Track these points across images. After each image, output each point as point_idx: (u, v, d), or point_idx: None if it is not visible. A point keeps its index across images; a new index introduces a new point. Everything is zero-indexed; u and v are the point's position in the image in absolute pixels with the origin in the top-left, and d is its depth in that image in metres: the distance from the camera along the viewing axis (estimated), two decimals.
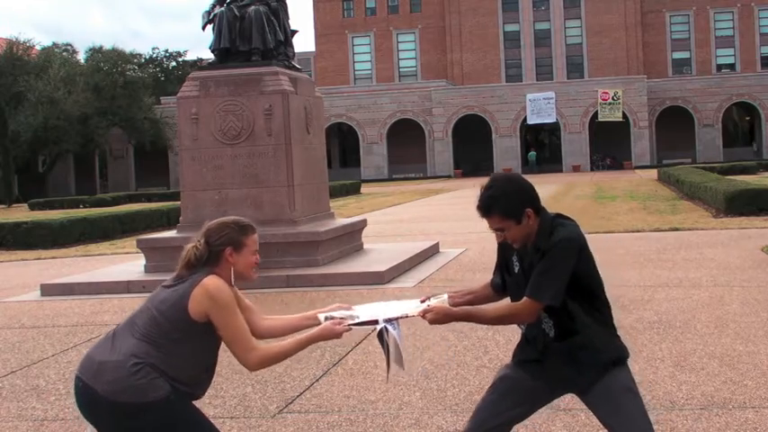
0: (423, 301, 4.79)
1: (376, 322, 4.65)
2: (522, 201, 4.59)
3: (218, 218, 4.81)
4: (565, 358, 4.61)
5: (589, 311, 4.62)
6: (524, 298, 4.56)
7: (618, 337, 4.77)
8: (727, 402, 7.48)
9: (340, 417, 7.63)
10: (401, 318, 4.69)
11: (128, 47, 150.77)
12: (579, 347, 4.59)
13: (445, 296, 4.83)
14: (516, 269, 4.71)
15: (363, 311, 4.78)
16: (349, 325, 4.65)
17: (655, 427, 6.70)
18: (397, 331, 4.63)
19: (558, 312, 4.58)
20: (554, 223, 4.62)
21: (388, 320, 4.64)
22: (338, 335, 4.63)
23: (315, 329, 4.64)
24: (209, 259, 4.58)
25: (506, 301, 4.80)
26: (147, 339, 4.45)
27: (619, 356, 4.68)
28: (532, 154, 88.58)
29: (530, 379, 4.70)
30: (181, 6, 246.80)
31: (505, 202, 4.57)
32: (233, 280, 4.62)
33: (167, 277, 4.63)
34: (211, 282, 4.47)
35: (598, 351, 4.60)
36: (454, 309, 4.68)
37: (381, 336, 4.66)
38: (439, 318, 4.65)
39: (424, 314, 4.66)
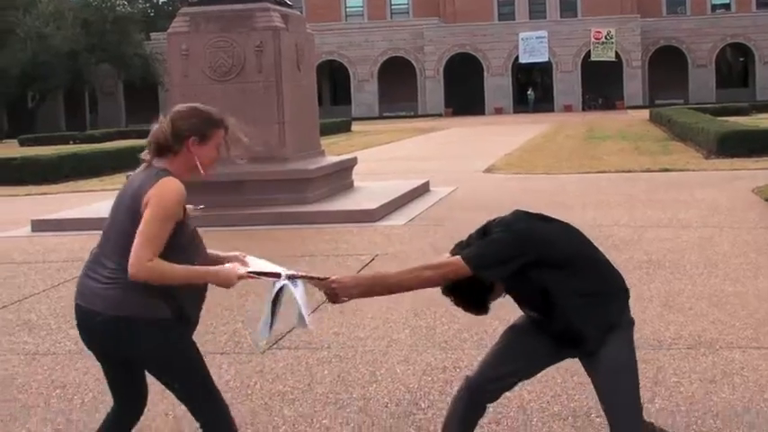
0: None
1: (278, 276, 4.40)
2: None
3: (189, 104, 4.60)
4: (558, 334, 4.50)
5: (573, 292, 4.41)
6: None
7: (614, 298, 4.56)
8: (715, 342, 7.53)
9: (329, 353, 7.67)
10: (304, 277, 4.45)
11: None
12: (566, 329, 4.45)
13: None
14: None
15: (258, 264, 4.49)
16: (249, 272, 4.37)
17: (642, 365, 6.77)
18: (298, 289, 4.38)
19: (536, 302, 4.48)
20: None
21: (291, 277, 4.38)
22: (230, 284, 4.33)
23: (216, 266, 4.38)
24: (173, 145, 4.37)
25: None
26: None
27: (609, 323, 4.44)
28: (531, 93, 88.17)
29: (535, 332, 4.58)
30: None
31: None
32: (190, 172, 4.40)
33: None
34: (171, 183, 4.23)
35: (583, 332, 4.41)
36: (360, 275, 4.49)
37: (278, 292, 4.39)
38: (345, 280, 4.45)
39: (328, 279, 4.44)
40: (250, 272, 4.38)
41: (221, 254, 4.56)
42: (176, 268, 4.23)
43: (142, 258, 4.12)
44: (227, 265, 4.41)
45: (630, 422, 4.43)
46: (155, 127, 4.45)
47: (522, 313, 4.73)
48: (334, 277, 4.46)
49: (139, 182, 4.31)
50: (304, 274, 4.48)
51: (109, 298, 4.23)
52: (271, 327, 4.48)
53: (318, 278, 4.48)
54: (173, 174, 4.31)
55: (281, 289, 4.39)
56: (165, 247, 4.21)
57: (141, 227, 4.15)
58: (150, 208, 4.16)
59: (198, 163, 4.40)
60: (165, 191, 4.20)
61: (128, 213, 4.27)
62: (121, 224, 4.29)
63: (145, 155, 4.44)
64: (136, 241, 4.14)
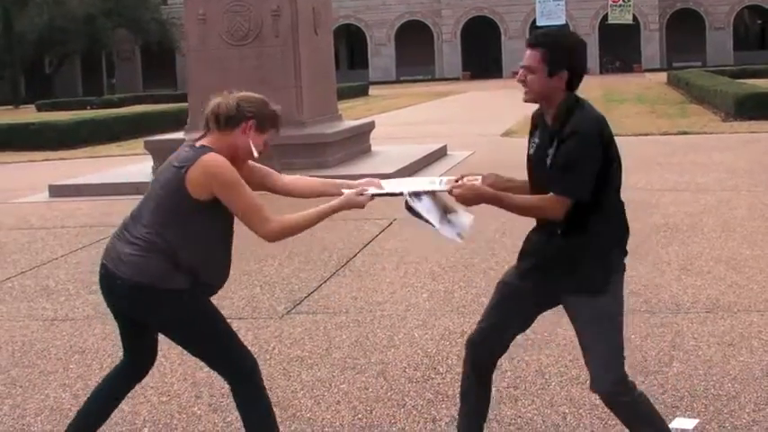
0: (456, 181, 4.44)
1: (401, 194, 4.38)
2: (569, 61, 4.29)
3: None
4: (563, 258, 4.34)
5: (601, 210, 4.30)
6: (551, 195, 4.24)
7: (619, 246, 4.41)
8: (733, 306, 7.52)
9: (347, 317, 7.68)
10: (428, 191, 4.41)
11: None
12: (581, 247, 4.31)
13: (479, 178, 4.48)
14: (531, 150, 4.43)
15: (391, 185, 4.55)
16: (372, 195, 4.43)
17: (660, 329, 6.75)
18: (421, 204, 4.35)
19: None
20: (575, 105, 4.28)
21: (414, 193, 4.35)
22: (361, 205, 4.42)
23: (336, 200, 4.44)
24: (231, 120, 4.34)
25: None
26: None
27: (611, 268, 4.34)
28: None
29: (523, 281, 4.47)
30: None
31: (555, 48, 4.25)
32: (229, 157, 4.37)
33: None
34: (210, 159, 4.23)
35: (598, 257, 4.30)
36: (485, 188, 4.32)
37: (410, 208, 4.37)
38: (467, 194, 4.29)
39: (452, 189, 4.32)
40: (373, 194, 4.46)
41: (351, 183, 4.60)
42: (304, 215, 4.37)
43: (267, 226, 4.30)
44: (349, 192, 4.46)
45: (611, 367, 4.32)
46: (214, 100, 4.41)
47: (510, 268, 4.65)
48: (457, 190, 4.30)
49: (184, 158, 4.31)
50: (427, 189, 4.44)
51: (130, 264, 4.28)
52: (447, 224, 4.45)
53: (442, 191, 4.42)
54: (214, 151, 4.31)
55: (409, 202, 4.38)
56: (200, 210, 4.27)
57: (236, 208, 4.28)
58: (223, 191, 4.23)
59: (251, 145, 4.37)
60: (215, 168, 4.23)
61: (167, 186, 4.33)
62: (158, 195, 4.37)
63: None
64: (247, 222, 4.29)
